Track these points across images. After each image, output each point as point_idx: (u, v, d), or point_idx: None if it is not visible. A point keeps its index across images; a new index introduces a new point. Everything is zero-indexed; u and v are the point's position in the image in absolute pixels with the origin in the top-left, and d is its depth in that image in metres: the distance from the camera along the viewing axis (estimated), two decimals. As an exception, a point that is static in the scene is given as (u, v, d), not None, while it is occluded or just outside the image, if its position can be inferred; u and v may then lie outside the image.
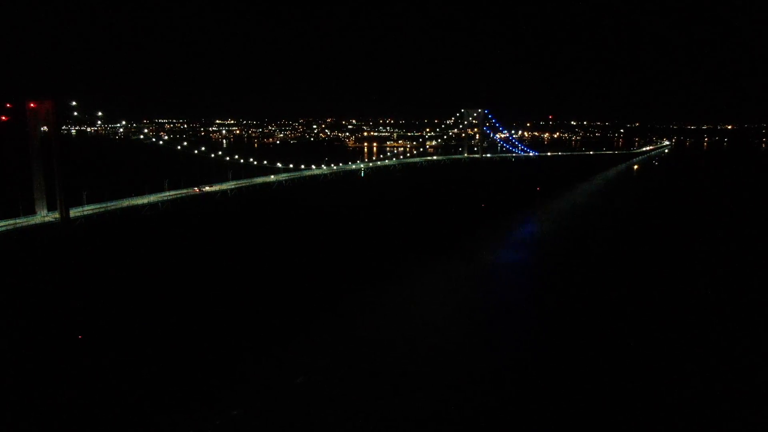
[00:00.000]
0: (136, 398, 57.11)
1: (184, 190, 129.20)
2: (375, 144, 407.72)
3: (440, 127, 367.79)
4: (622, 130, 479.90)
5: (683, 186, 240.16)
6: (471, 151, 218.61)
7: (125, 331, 73.88)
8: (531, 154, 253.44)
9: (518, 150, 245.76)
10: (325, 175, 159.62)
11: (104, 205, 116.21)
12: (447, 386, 60.44)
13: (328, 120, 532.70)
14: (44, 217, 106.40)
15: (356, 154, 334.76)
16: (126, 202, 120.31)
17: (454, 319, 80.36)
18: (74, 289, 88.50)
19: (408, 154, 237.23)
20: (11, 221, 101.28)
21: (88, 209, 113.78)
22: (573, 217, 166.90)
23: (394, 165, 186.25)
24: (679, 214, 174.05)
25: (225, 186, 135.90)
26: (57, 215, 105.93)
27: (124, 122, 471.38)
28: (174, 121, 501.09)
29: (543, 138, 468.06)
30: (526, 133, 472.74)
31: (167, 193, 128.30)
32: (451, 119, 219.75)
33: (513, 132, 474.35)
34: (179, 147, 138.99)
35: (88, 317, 77.30)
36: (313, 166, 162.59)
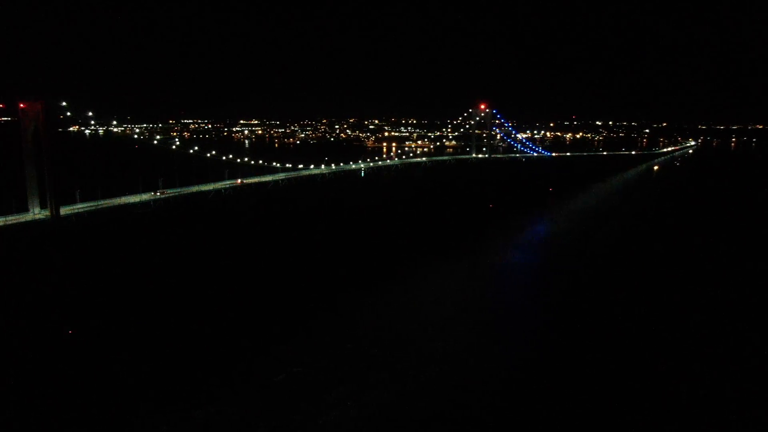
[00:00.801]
0: (126, 394, 57.42)
1: (178, 189, 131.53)
2: (394, 144, 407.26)
3: (463, 128, 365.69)
4: (647, 131, 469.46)
5: (700, 187, 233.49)
6: (479, 151, 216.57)
7: (117, 327, 74.13)
8: (543, 154, 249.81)
9: (529, 150, 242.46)
10: (323, 174, 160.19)
11: (96, 203, 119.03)
12: (452, 386, 59.53)
13: (351, 120, 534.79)
14: (35, 214, 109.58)
15: (374, 153, 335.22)
16: (118, 201, 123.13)
17: (458, 319, 79.04)
18: (57, 284, 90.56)
19: (413, 153, 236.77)
20: (1, 218, 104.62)
21: (80, 207, 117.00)
22: (585, 218, 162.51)
23: (396, 165, 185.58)
24: (691, 215, 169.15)
25: (219, 185, 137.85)
26: (48, 213, 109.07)
27: (147, 124, 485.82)
28: (199, 121, 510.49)
29: (565, 138, 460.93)
30: (548, 134, 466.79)
31: (165, 192, 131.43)
32: (471, 120, 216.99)
33: (536, 132, 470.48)
34: (176, 147, 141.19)
35: (77, 312, 78.44)
36: (312, 166, 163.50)
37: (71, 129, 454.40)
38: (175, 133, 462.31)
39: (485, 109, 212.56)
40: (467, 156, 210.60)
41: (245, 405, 54.40)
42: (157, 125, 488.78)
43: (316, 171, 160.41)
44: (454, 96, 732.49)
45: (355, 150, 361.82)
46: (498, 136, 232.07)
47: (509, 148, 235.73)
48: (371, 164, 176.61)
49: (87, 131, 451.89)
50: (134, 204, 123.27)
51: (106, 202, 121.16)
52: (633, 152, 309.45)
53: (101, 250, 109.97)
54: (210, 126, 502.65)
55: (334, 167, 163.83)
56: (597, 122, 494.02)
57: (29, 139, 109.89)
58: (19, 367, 62.28)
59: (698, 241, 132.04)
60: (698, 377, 63.31)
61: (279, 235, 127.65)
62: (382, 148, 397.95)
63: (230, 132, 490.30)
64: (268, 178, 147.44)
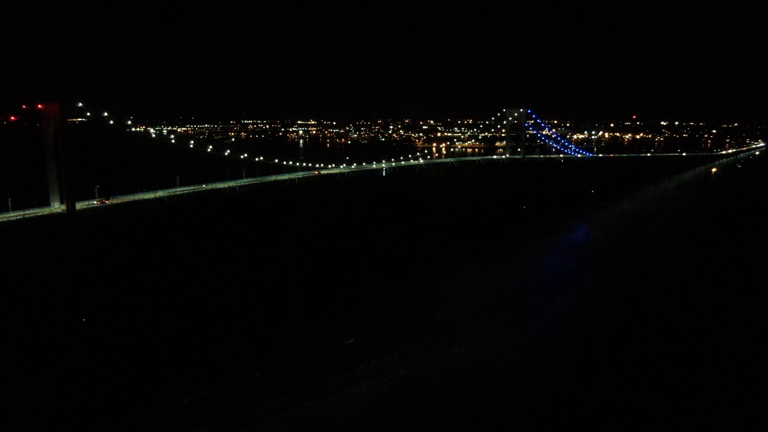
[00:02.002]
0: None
1: (192, 187, 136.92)
2: (444, 144, 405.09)
3: (494, 128, 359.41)
4: (714, 131, 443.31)
5: (756, 192, 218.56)
6: (514, 152, 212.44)
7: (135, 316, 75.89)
8: (584, 155, 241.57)
9: (570, 151, 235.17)
10: (342, 174, 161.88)
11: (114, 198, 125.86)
12: (469, 395, 58.35)
13: (406, 121, 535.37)
14: (53, 209, 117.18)
15: (422, 153, 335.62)
16: (136, 197, 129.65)
17: (481, 327, 75.27)
18: (62, 275, 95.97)
19: (456, 153, 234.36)
20: (21, 212, 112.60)
21: (97, 202, 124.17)
22: (628, 222, 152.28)
23: (421, 165, 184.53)
24: (747, 221, 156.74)
25: (234, 183, 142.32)
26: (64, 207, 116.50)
27: (209, 124, 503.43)
28: (258, 122, 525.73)
29: (623, 139, 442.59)
30: (606, 134, 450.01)
31: (177, 189, 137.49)
32: (503, 120, 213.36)
33: (593, 133, 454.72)
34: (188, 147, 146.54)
35: (88, 302, 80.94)
36: (331, 165, 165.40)
37: (137, 129, 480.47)
38: (233, 134, 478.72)
39: (519, 108, 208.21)
40: (499, 156, 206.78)
41: (325, 359, 63.26)
42: (218, 125, 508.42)
43: (335, 171, 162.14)
44: (506, 96, 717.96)
45: (404, 149, 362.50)
46: (537, 137, 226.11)
47: (547, 149, 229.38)
48: (393, 164, 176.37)
49: (153, 131, 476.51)
50: (148, 200, 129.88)
51: (122, 197, 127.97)
52: (684, 153, 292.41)
53: (105, 243, 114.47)
54: (268, 126, 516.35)
55: (353, 167, 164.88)
56: (662, 122, 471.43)
57: (49, 139, 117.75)
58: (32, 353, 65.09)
59: (738, 257, 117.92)
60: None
61: (293, 235, 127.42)
62: (432, 148, 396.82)
63: (285, 132, 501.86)
64: (285, 177, 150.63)
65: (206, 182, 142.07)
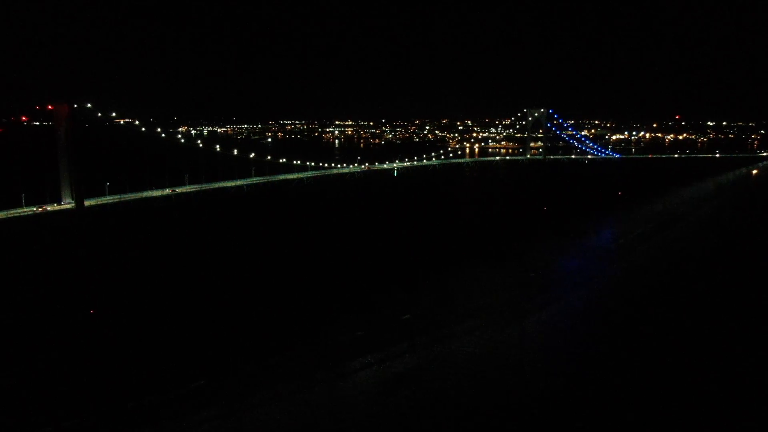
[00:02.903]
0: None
1: (197, 186, 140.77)
2: (477, 145, 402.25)
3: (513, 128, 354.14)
4: (762, 131, 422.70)
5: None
6: (534, 152, 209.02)
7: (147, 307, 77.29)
8: (611, 155, 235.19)
9: (595, 151, 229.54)
10: (352, 173, 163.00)
11: (119, 196, 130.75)
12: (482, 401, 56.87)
13: (443, 121, 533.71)
14: (62, 205, 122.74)
15: (454, 153, 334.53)
16: (141, 194, 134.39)
17: (493, 328, 73.01)
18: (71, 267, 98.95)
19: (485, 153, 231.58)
20: (32, 208, 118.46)
21: (106, 199, 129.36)
22: (658, 226, 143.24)
23: (435, 165, 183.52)
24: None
25: (242, 182, 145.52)
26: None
27: (248, 125, 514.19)
28: (296, 122, 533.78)
29: (664, 140, 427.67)
30: (647, 135, 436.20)
31: (187, 187, 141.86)
32: (523, 120, 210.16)
33: (634, 133, 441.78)
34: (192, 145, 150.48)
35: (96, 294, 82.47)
36: (341, 165, 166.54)
37: (181, 129, 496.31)
38: (270, 134, 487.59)
39: (540, 108, 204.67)
40: (519, 157, 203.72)
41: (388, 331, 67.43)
42: (257, 126, 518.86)
43: (346, 170, 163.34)
44: (540, 95, 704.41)
45: (437, 149, 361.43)
46: (561, 138, 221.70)
47: (570, 149, 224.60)
48: (406, 164, 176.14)
49: (194, 131, 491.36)
50: (155, 197, 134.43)
51: (129, 195, 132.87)
52: (717, 154, 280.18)
53: (112, 237, 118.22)
54: (305, 126, 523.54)
55: (362, 167, 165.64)
56: (708, 122, 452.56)
57: (62, 138, 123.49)
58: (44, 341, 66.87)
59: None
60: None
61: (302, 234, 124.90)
62: (465, 148, 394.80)
63: (321, 132, 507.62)
64: (293, 176, 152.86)
65: (215, 181, 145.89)
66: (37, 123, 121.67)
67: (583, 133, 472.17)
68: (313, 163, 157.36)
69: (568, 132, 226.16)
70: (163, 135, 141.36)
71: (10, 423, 49.12)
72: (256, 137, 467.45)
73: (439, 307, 77.20)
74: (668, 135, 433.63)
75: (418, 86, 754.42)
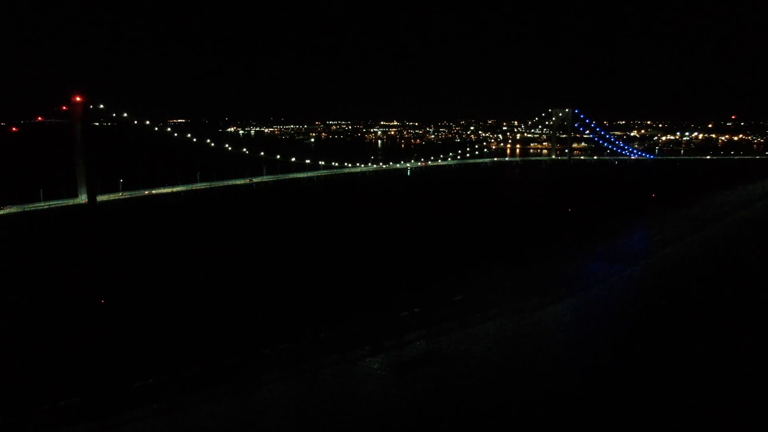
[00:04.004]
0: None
1: (206, 183, 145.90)
2: (519, 145, 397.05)
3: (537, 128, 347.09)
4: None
5: None
6: (561, 153, 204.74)
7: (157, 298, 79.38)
8: (644, 156, 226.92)
9: (627, 152, 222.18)
10: (363, 173, 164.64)
11: (131, 192, 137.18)
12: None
13: (489, 122, 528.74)
14: (76, 200, 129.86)
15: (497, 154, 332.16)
16: (154, 191, 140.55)
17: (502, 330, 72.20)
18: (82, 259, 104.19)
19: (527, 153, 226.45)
20: (47, 203, 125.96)
21: (121, 195, 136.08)
22: (688, 229, 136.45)
23: (450, 165, 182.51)
24: None
25: (240, 181, 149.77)
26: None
27: (294, 125, 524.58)
28: (341, 122, 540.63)
29: (717, 140, 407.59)
30: (700, 135, 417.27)
31: (199, 184, 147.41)
32: (548, 121, 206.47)
33: (686, 134, 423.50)
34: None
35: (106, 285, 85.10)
36: (357, 164, 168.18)
37: (230, 129, 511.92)
38: (314, 134, 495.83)
39: (565, 108, 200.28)
40: (543, 158, 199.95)
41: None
42: (303, 126, 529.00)
43: (357, 170, 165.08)
44: (576, 95, 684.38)
45: (472, 149, 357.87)
46: (590, 138, 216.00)
47: (601, 150, 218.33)
48: (420, 164, 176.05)
49: (241, 131, 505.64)
50: (166, 194, 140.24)
51: (142, 191, 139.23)
52: (758, 156, 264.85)
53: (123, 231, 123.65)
54: (350, 127, 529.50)
55: (374, 166, 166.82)
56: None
57: (78, 137, 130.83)
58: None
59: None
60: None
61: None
62: (506, 149, 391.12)
63: (364, 133, 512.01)
64: (302, 175, 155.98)
65: (227, 179, 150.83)
66: (51, 122, 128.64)
67: (633, 134, 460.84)
68: (323, 163, 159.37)
69: (599, 133, 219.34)
70: (176, 134, 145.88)
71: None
72: (300, 137, 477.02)
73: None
74: (723, 136, 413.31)
75: (465, 87, 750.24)
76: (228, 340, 63.16)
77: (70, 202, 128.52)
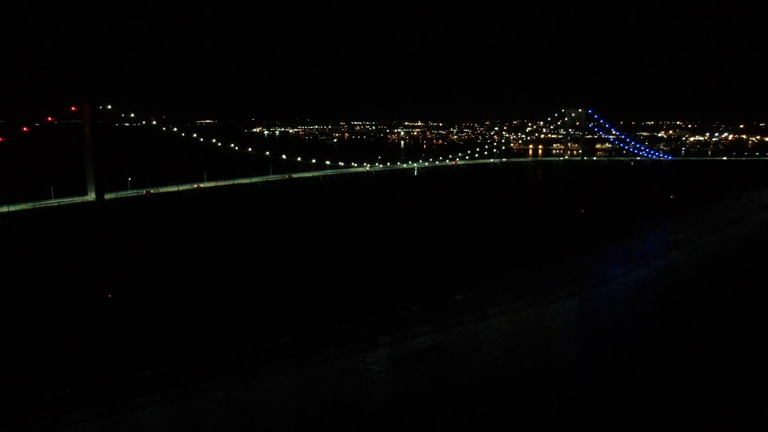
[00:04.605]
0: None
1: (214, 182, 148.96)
2: (541, 146, 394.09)
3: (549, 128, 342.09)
4: None
5: None
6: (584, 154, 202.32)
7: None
8: (663, 157, 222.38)
9: (645, 153, 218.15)
10: (369, 172, 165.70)
11: (137, 191, 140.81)
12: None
13: (515, 123, 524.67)
14: (83, 198, 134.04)
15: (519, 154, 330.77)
16: (162, 189, 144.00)
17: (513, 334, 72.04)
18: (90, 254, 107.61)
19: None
20: (58, 200, 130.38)
21: (124, 194, 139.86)
22: (704, 231, 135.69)
23: (459, 165, 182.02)
24: None
25: (256, 179, 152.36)
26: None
27: (320, 125, 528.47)
28: (366, 123, 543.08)
29: (747, 141, 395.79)
30: (730, 136, 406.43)
31: (206, 183, 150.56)
32: (559, 121, 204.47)
33: (716, 134, 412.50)
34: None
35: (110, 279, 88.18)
36: (364, 164, 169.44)
37: (256, 130, 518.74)
38: (337, 135, 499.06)
39: (578, 108, 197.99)
40: (554, 158, 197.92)
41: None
42: (328, 126, 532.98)
43: (362, 169, 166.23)
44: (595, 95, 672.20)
45: (491, 149, 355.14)
46: (605, 139, 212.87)
47: (618, 150, 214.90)
48: (426, 164, 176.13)
49: (266, 132, 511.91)
50: (170, 193, 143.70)
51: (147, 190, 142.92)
52: None
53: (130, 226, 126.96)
54: (374, 127, 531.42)
55: (381, 166, 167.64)
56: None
57: (87, 137, 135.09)
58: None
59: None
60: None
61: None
62: (528, 150, 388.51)
63: (387, 133, 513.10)
64: (309, 174, 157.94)
65: (233, 178, 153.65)
66: (61, 123, 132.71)
67: (660, 134, 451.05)
68: (329, 162, 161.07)
69: (614, 133, 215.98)
70: (183, 134, 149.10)
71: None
72: (323, 138, 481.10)
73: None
74: (755, 136, 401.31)
75: (490, 88, 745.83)
76: (233, 334, 65.34)
77: (78, 199, 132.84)
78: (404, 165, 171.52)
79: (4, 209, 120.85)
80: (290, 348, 63.00)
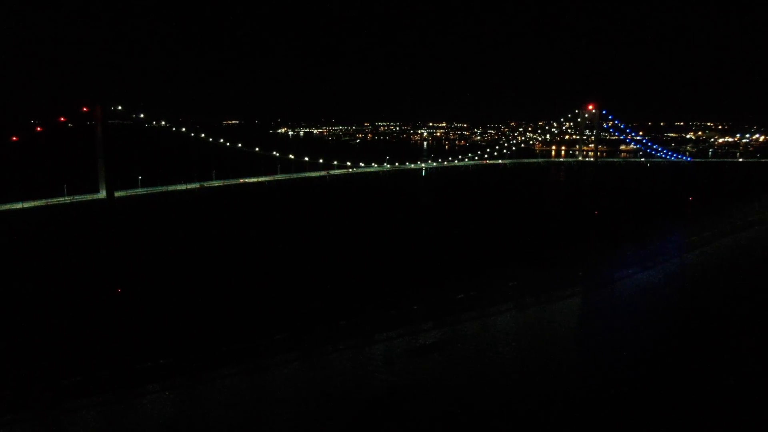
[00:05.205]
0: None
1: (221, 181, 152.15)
2: (564, 147, 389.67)
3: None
4: None
5: None
6: (584, 154, 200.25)
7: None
8: (681, 158, 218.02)
9: (662, 153, 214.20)
10: (376, 172, 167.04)
11: (147, 189, 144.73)
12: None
13: (540, 123, 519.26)
14: (95, 195, 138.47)
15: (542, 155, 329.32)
16: (169, 188, 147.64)
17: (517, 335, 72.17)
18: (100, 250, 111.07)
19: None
20: (70, 197, 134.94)
21: (135, 191, 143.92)
22: (720, 233, 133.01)
23: (467, 166, 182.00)
24: None
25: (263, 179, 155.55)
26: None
27: (344, 126, 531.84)
28: (390, 124, 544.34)
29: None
30: (761, 137, 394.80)
31: (214, 182, 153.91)
32: (570, 122, 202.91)
33: (747, 136, 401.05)
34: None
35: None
36: (372, 164, 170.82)
37: (281, 131, 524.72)
38: (360, 135, 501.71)
39: (592, 108, 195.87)
40: (566, 159, 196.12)
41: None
42: (352, 127, 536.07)
43: (370, 169, 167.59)
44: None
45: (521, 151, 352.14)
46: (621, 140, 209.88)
47: (634, 151, 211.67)
48: (434, 164, 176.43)
49: (291, 132, 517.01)
50: (179, 191, 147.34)
51: (158, 188, 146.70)
52: None
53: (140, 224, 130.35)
54: (398, 128, 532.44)
55: (388, 166, 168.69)
56: None
57: (99, 136, 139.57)
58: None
59: None
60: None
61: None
62: (551, 151, 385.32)
63: (410, 134, 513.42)
64: (314, 174, 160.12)
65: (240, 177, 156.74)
66: (74, 123, 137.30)
67: (689, 135, 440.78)
68: (336, 162, 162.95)
69: (628, 133, 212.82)
70: (192, 134, 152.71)
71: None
72: (346, 138, 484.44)
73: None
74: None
75: (516, 89, 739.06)
76: (239, 329, 67.59)
77: (90, 197, 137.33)
78: (412, 165, 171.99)
79: (19, 206, 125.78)
80: (293, 342, 64.97)
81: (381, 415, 51.79)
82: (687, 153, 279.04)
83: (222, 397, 54.99)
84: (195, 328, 67.80)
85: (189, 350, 61.69)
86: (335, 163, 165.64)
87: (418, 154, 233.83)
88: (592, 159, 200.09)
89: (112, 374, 56.74)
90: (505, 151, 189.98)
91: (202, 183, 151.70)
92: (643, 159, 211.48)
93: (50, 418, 51.66)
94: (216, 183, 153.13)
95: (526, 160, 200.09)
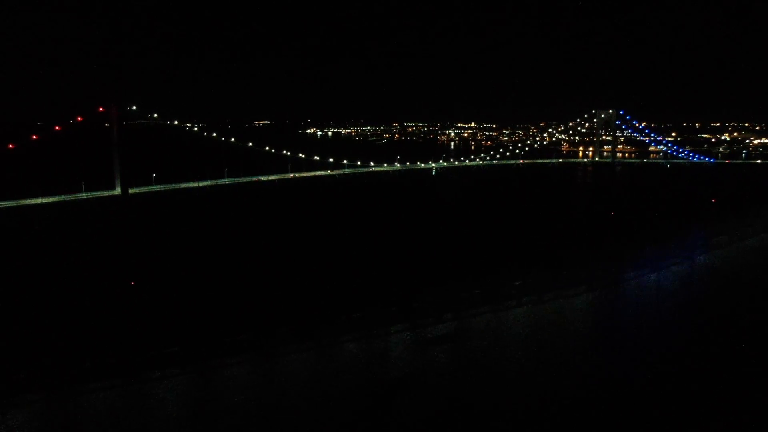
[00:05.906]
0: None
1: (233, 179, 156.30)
2: (591, 148, 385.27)
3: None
4: None
5: None
6: (599, 155, 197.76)
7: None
8: (705, 160, 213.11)
9: (683, 155, 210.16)
10: (386, 172, 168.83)
11: (160, 186, 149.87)
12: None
13: (570, 124, 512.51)
14: (110, 192, 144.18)
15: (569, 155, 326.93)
16: (182, 185, 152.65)
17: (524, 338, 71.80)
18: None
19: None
20: (87, 193, 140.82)
21: (150, 188, 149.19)
22: (747, 236, 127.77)
23: (479, 166, 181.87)
24: None
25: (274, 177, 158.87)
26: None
27: (372, 126, 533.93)
28: (419, 124, 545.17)
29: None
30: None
31: (227, 180, 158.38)
32: (587, 123, 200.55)
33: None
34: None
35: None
36: (384, 164, 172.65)
37: (310, 131, 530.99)
38: (387, 135, 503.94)
39: (608, 110, 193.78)
40: (579, 160, 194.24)
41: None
42: (380, 127, 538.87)
43: (380, 169, 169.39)
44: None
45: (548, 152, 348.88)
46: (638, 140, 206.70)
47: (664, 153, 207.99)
48: (444, 164, 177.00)
49: (320, 133, 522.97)
50: (191, 188, 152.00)
51: (171, 185, 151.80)
52: None
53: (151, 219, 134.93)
54: (426, 128, 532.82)
55: (398, 165, 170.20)
56: None
57: (115, 135, 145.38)
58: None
59: None
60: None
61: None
62: (577, 152, 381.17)
63: (437, 134, 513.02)
64: (323, 173, 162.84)
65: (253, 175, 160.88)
66: (91, 122, 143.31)
67: (723, 136, 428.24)
68: (346, 161, 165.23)
69: (646, 133, 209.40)
70: (205, 134, 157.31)
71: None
72: (373, 138, 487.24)
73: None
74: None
75: (547, 89, 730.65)
76: (253, 321, 68.24)
77: (106, 193, 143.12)
78: (423, 165, 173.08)
79: (39, 201, 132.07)
80: (300, 334, 66.25)
81: (387, 409, 52.69)
82: (718, 155, 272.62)
83: (230, 385, 56.78)
84: (204, 320, 69.05)
85: (198, 341, 63.39)
86: (345, 162, 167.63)
87: (439, 154, 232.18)
88: (608, 160, 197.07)
89: (121, 361, 59.13)
90: (518, 151, 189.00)
91: (215, 181, 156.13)
92: (662, 161, 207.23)
93: (62, 401, 54.08)
94: (227, 181, 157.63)
95: (539, 161, 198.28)
